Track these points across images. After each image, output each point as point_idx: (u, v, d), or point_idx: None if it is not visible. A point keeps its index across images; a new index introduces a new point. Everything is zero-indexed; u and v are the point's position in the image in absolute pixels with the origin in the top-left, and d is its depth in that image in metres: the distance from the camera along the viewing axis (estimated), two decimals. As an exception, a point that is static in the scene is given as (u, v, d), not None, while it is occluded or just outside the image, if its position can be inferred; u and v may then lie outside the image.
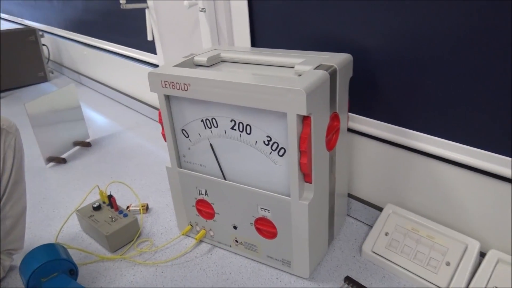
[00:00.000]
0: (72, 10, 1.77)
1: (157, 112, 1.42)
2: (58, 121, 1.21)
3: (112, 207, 0.87)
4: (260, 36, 0.91)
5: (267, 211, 0.70)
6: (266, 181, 0.68)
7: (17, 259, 0.79)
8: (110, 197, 0.87)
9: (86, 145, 1.30)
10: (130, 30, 1.41)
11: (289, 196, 0.65)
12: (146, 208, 0.94)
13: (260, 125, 0.64)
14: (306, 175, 0.64)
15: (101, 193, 0.89)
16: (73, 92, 1.26)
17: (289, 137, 0.60)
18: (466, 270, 0.65)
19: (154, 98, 1.45)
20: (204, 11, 0.95)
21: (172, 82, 0.68)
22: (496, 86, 0.58)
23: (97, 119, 1.52)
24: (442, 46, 0.62)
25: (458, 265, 0.66)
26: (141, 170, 1.12)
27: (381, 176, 0.79)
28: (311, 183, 0.64)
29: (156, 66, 1.33)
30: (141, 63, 1.42)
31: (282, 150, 0.64)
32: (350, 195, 0.86)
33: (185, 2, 0.93)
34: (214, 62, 0.76)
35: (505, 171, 0.61)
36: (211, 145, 0.72)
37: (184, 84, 0.66)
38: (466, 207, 0.68)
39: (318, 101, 0.60)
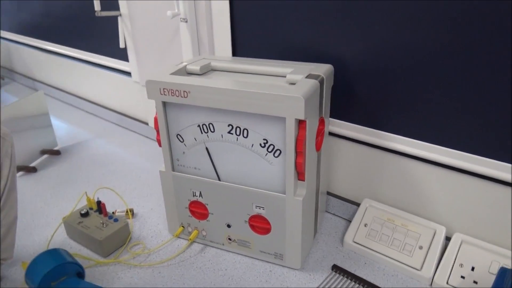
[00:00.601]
0: (28, 14, 1.72)
1: (125, 118, 1.43)
2: (26, 128, 1.18)
3: (100, 213, 0.88)
4: (241, 47, 0.97)
5: (261, 208, 0.75)
6: (261, 180, 0.74)
7: (4, 269, 0.78)
8: (99, 203, 0.88)
9: (55, 153, 1.27)
10: (98, 36, 1.40)
11: (283, 194, 0.72)
12: (132, 213, 0.95)
13: (257, 129, 0.70)
14: (300, 174, 0.70)
15: (88, 199, 0.89)
16: (41, 99, 1.23)
17: (287, 139, 0.66)
18: (436, 252, 0.75)
19: (121, 105, 1.44)
20: (186, 21, 0.99)
21: (171, 90, 0.71)
22: (454, 94, 0.69)
23: (62, 126, 1.48)
24: (409, 58, 0.72)
25: (429, 248, 0.76)
26: (118, 176, 1.12)
27: (357, 174, 0.88)
28: (304, 181, 0.71)
29: (128, 73, 1.33)
30: (110, 70, 1.41)
31: (278, 152, 0.70)
32: (328, 193, 0.94)
33: (168, 12, 0.96)
34: (206, 70, 0.80)
35: (465, 165, 0.71)
36: (207, 148, 0.76)
37: (184, 91, 0.70)
38: (433, 198, 0.78)
39: (311, 107, 0.67)
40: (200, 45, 1.03)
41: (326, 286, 0.74)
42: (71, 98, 1.68)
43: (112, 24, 1.30)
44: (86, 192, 0.91)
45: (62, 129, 1.46)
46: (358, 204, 0.89)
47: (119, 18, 1.23)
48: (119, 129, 1.45)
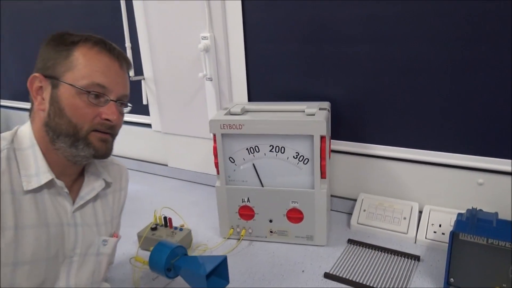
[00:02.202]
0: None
1: (144, 163, 1.68)
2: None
3: (166, 226, 1.13)
4: (254, 94, 1.32)
5: (296, 202, 1.07)
6: (294, 182, 1.06)
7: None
8: (165, 218, 1.13)
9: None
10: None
11: (312, 189, 1.04)
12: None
13: (291, 146, 1.03)
14: (323, 173, 1.03)
15: (155, 217, 1.14)
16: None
17: (315, 150, 1.00)
18: (415, 219, 1.10)
19: (139, 152, 1.70)
20: (211, 80, 1.33)
21: (229, 124, 1.03)
22: (416, 114, 1.08)
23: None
24: (382, 94, 1.11)
25: (410, 218, 1.11)
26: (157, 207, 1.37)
27: (352, 177, 1.23)
28: (325, 178, 1.04)
29: (149, 125, 1.61)
30: (129, 124, 1.68)
31: (306, 160, 1.03)
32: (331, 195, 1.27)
33: (200, 74, 1.30)
34: (244, 111, 1.13)
35: (427, 159, 1.10)
36: (253, 165, 1.07)
37: (239, 124, 1.03)
38: (407, 184, 1.15)
39: (327, 128, 1.02)
40: (221, 96, 1.36)
41: (347, 253, 1.05)
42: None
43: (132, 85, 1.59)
44: (155, 210, 1.15)
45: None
46: (354, 200, 1.23)
47: (142, 81, 1.54)
48: (138, 173, 1.69)
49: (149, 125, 1.62)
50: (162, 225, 1.14)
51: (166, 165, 1.62)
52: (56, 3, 1.69)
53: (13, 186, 0.68)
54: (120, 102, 0.75)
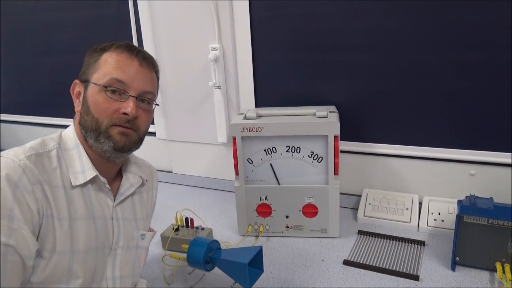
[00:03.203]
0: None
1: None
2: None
3: (188, 227, 1.19)
4: (260, 101, 1.41)
5: (311, 198, 1.16)
6: (309, 179, 1.15)
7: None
8: (187, 219, 1.19)
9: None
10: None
11: (326, 184, 1.14)
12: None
13: (306, 145, 1.12)
14: (336, 170, 1.13)
15: (176, 218, 1.20)
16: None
17: (329, 148, 1.10)
18: (416, 210, 1.22)
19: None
20: (220, 88, 1.41)
21: (249, 128, 1.11)
22: (414, 116, 1.20)
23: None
24: (382, 97, 1.23)
25: (411, 208, 1.22)
26: (168, 212, 1.42)
27: (356, 174, 1.34)
28: (338, 175, 1.14)
29: (153, 133, 1.66)
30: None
31: (320, 158, 1.13)
32: (335, 193, 1.37)
33: (210, 83, 1.37)
34: (259, 116, 1.21)
35: (425, 154, 1.22)
36: (271, 165, 1.16)
37: (259, 127, 1.11)
38: (408, 178, 1.27)
39: (339, 128, 1.12)
40: (229, 103, 1.44)
41: (359, 243, 1.15)
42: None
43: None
44: (176, 212, 1.21)
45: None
46: (359, 195, 1.33)
47: (147, 91, 1.59)
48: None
49: (153, 134, 1.67)
50: (183, 226, 1.20)
51: (171, 172, 1.67)
52: (52, 15, 1.72)
53: (64, 181, 0.74)
54: (142, 98, 0.79)
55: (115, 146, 0.77)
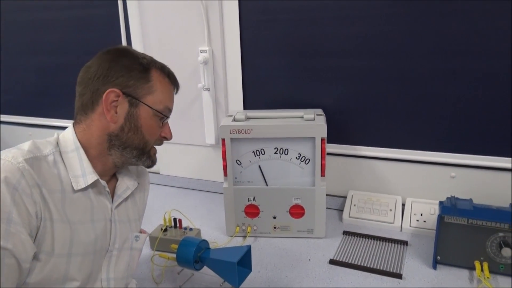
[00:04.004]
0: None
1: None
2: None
3: (176, 227, 1.20)
4: (249, 103, 1.43)
5: (298, 199, 1.18)
6: (296, 180, 1.17)
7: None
8: (175, 219, 1.20)
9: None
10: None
11: (313, 186, 1.16)
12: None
13: (294, 147, 1.15)
14: (322, 171, 1.16)
15: (164, 219, 1.20)
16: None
17: (316, 150, 1.13)
18: (399, 211, 1.25)
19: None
20: (209, 90, 1.42)
21: (238, 130, 1.13)
22: (398, 118, 1.24)
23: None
24: (366, 101, 1.26)
25: (395, 209, 1.26)
26: (156, 213, 1.43)
27: (341, 176, 1.37)
28: (324, 176, 1.17)
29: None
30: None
31: (308, 160, 1.15)
32: (321, 194, 1.40)
33: (199, 85, 1.39)
34: (247, 118, 1.23)
35: (407, 157, 1.26)
36: (259, 166, 1.18)
37: (248, 129, 1.13)
38: (391, 180, 1.31)
39: (326, 130, 1.15)
40: (217, 106, 1.45)
41: (345, 243, 1.18)
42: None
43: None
44: (165, 212, 1.21)
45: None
46: (344, 197, 1.36)
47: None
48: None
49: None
50: (172, 227, 1.21)
51: (158, 173, 1.68)
52: (40, 15, 1.71)
53: (63, 186, 0.75)
54: None
55: (152, 165, 0.87)
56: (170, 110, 0.86)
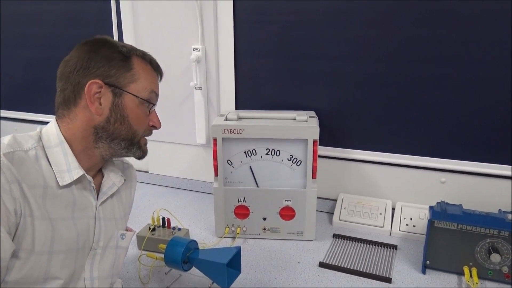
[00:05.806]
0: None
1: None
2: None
3: (164, 227, 1.18)
4: (241, 103, 1.42)
5: (289, 201, 1.17)
6: (287, 182, 1.16)
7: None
8: (164, 219, 1.18)
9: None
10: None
11: (304, 188, 1.16)
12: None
13: (286, 149, 1.14)
14: (314, 174, 1.15)
15: (152, 218, 1.18)
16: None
17: (308, 152, 1.12)
18: (389, 215, 1.25)
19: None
20: (201, 89, 1.41)
21: (230, 129, 1.12)
22: (389, 122, 1.24)
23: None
24: (358, 105, 1.26)
25: (385, 213, 1.26)
26: (144, 212, 1.41)
27: (332, 179, 1.36)
28: (316, 178, 1.16)
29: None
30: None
31: (299, 162, 1.14)
32: (311, 196, 1.40)
33: (191, 83, 1.37)
34: (239, 118, 1.22)
35: (397, 161, 1.26)
36: (250, 167, 1.17)
37: (240, 129, 1.12)
38: (382, 184, 1.31)
39: (318, 132, 1.15)
40: (209, 105, 1.44)
41: (334, 246, 1.17)
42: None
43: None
44: (153, 212, 1.19)
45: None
46: (334, 200, 1.36)
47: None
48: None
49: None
50: (160, 226, 1.19)
51: (147, 172, 1.65)
52: (29, 8, 1.67)
53: (46, 181, 0.72)
54: None
55: (143, 155, 0.85)
56: (157, 95, 0.83)
